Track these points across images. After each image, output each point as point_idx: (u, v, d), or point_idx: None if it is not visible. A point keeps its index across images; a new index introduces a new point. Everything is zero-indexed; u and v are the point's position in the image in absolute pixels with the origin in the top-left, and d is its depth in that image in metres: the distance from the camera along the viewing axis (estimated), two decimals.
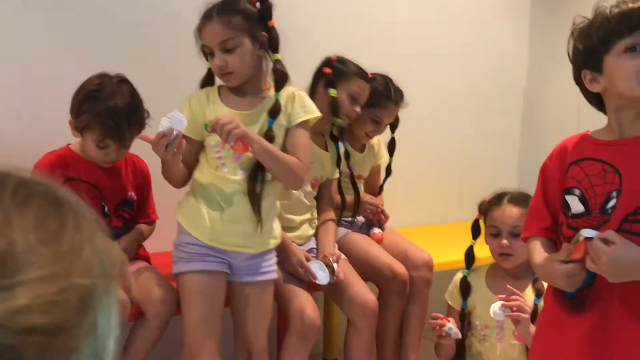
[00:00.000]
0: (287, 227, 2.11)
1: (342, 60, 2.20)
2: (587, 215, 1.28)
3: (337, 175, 2.24)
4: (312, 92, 2.16)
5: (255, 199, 1.79)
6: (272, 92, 1.85)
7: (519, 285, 1.80)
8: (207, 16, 1.79)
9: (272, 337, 2.18)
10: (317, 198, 2.23)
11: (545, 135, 3.08)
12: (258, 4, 1.83)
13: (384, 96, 2.30)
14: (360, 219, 2.41)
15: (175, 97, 1.85)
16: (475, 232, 1.96)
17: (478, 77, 3.12)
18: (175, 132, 1.66)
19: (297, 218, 2.14)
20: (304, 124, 1.87)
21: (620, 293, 1.22)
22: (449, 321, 1.81)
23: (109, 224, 1.90)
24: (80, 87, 1.83)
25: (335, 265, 2.02)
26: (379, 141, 2.47)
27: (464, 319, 1.91)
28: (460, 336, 1.84)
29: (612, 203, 1.24)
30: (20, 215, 0.44)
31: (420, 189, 2.95)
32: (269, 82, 1.88)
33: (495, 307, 1.72)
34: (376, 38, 2.76)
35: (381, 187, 2.50)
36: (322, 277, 1.99)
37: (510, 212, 1.85)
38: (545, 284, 1.53)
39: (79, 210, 0.48)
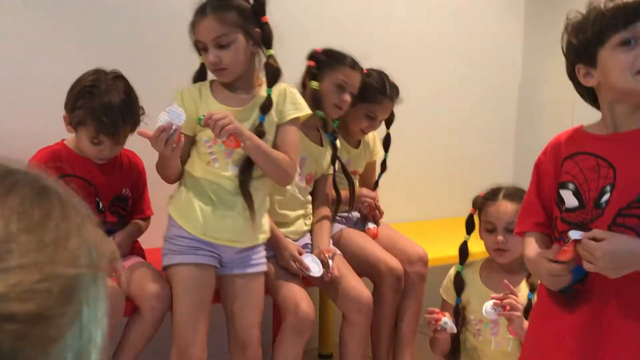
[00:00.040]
0: (282, 223, 2.11)
1: (327, 52, 2.19)
2: (581, 209, 1.28)
3: (332, 171, 2.24)
4: (303, 87, 2.16)
5: (247, 194, 1.81)
6: (264, 88, 1.86)
7: (513, 279, 1.80)
8: (201, 12, 1.79)
9: (268, 332, 2.19)
10: (312, 194, 2.24)
11: (540, 130, 3.09)
12: (251, 0, 1.83)
13: (379, 92, 2.29)
14: (355, 214, 2.41)
15: (171, 94, 1.85)
16: (470, 227, 1.96)
17: (473, 73, 3.12)
18: (174, 126, 1.66)
19: (292, 214, 2.15)
20: (294, 121, 1.89)
21: (613, 287, 1.22)
22: (444, 315, 1.82)
23: (104, 220, 1.90)
24: (75, 82, 1.83)
25: (330, 261, 2.02)
26: (374, 137, 2.47)
27: (459, 313, 1.91)
28: (455, 331, 1.84)
29: (606, 197, 1.25)
30: (2, 203, 0.44)
31: (415, 185, 2.96)
32: (261, 78, 1.89)
33: (488, 306, 1.73)
34: (371, 34, 2.76)
35: (376, 183, 2.50)
36: (315, 269, 2.00)
37: (506, 207, 1.85)
38: None
39: (67, 200, 0.48)
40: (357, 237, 2.29)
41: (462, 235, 1.98)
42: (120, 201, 1.95)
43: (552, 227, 1.36)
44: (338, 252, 2.15)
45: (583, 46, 1.28)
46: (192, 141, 1.86)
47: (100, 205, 1.90)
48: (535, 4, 3.25)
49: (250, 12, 1.82)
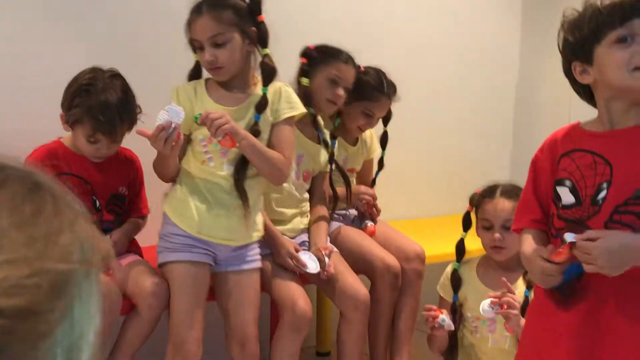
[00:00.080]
0: (279, 221, 2.11)
1: (319, 48, 2.18)
2: (577, 206, 1.28)
3: (329, 168, 2.24)
4: (298, 85, 2.16)
5: (242, 193, 1.82)
6: (259, 87, 1.87)
7: (510, 277, 1.80)
8: (197, 10, 1.80)
9: (265, 330, 2.19)
10: (310, 191, 2.24)
11: (537, 128, 3.08)
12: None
13: (376, 90, 2.29)
14: (353, 212, 2.42)
15: (168, 93, 1.85)
16: (467, 224, 1.96)
17: (471, 72, 3.12)
18: (173, 125, 1.66)
19: (289, 211, 2.15)
20: (289, 120, 1.89)
21: (610, 284, 1.22)
22: (442, 313, 1.82)
23: (101, 219, 1.89)
24: (72, 80, 1.83)
25: (326, 258, 2.02)
26: (372, 135, 2.47)
27: (456, 311, 1.92)
28: (453, 328, 1.84)
29: (602, 194, 1.25)
30: None
31: (413, 182, 2.96)
32: (257, 76, 1.89)
33: (485, 304, 1.73)
34: (369, 32, 2.75)
35: (373, 181, 2.50)
36: (312, 266, 2.00)
37: (503, 205, 1.85)
38: None
39: (60, 197, 0.48)
40: (354, 235, 2.29)
41: (459, 232, 1.98)
42: (117, 199, 1.95)
43: (549, 224, 1.36)
44: (335, 249, 2.15)
45: (579, 43, 1.28)
46: (187, 140, 1.86)
47: (97, 203, 1.90)
48: (533, 4, 3.24)
49: (246, 11, 1.83)
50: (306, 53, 2.18)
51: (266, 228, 2.03)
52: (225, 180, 1.83)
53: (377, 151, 2.47)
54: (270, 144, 1.86)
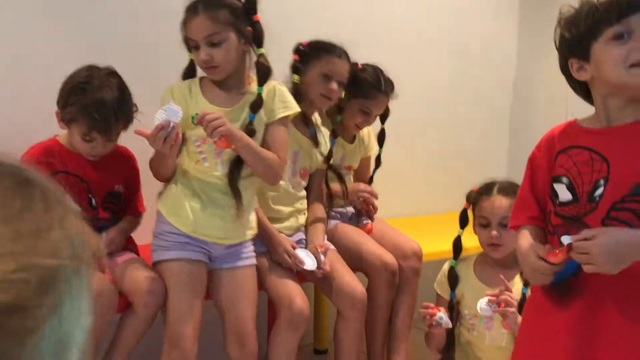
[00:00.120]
0: (276, 218, 2.11)
1: (311, 43, 2.17)
2: (575, 203, 1.28)
3: (324, 166, 2.24)
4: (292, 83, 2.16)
5: (237, 193, 1.83)
6: (253, 86, 1.87)
7: (507, 274, 1.80)
8: (193, 9, 1.80)
9: (263, 328, 2.19)
10: (307, 189, 2.23)
11: (534, 126, 3.09)
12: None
13: (373, 87, 2.28)
14: (350, 209, 2.41)
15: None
16: (463, 221, 1.96)
17: (467, 69, 3.12)
18: (172, 124, 1.66)
19: (286, 209, 2.14)
20: (283, 120, 1.90)
21: (607, 282, 1.22)
22: (439, 310, 1.82)
23: (96, 217, 1.89)
24: (68, 78, 1.82)
25: (322, 256, 2.02)
26: (369, 132, 2.47)
27: (453, 308, 1.92)
28: (451, 326, 1.84)
29: (599, 191, 1.25)
30: None
31: (410, 180, 2.96)
32: (251, 76, 1.89)
33: (482, 302, 1.73)
34: (367, 30, 2.75)
35: (371, 178, 2.50)
36: (309, 263, 2.00)
37: (500, 202, 1.85)
38: None
39: (50, 193, 0.47)
40: (351, 232, 2.29)
41: (456, 230, 1.98)
42: (112, 197, 1.94)
43: (546, 221, 1.36)
44: (332, 247, 2.15)
45: (576, 40, 1.28)
46: (182, 139, 1.85)
47: (93, 201, 1.89)
48: (530, 1, 3.24)
49: (242, 10, 1.83)
50: (298, 49, 2.17)
51: (263, 226, 2.03)
52: (219, 180, 1.84)
53: (374, 149, 2.47)
54: (264, 144, 1.86)
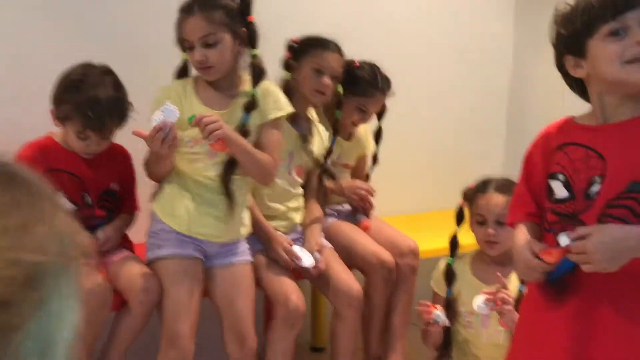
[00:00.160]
0: (272, 216, 2.11)
1: (302, 39, 2.16)
2: (571, 200, 1.28)
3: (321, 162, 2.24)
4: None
5: (229, 195, 1.84)
6: (246, 86, 1.87)
7: (504, 271, 1.80)
8: (188, 10, 1.80)
9: (259, 326, 2.18)
10: (304, 187, 2.23)
11: (530, 123, 3.08)
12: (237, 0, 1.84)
13: (370, 85, 2.28)
14: (347, 207, 2.41)
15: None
16: (460, 219, 1.96)
17: (464, 67, 3.12)
18: (169, 125, 1.67)
19: (283, 207, 2.14)
20: (276, 121, 1.90)
21: (603, 280, 1.22)
22: (436, 308, 1.82)
23: (92, 215, 1.88)
24: (63, 76, 1.81)
25: (317, 254, 2.02)
26: (366, 130, 2.46)
27: (450, 306, 1.91)
28: (448, 323, 1.84)
29: (595, 188, 1.24)
30: None
31: (406, 177, 2.95)
32: (244, 76, 1.89)
33: (479, 301, 1.73)
34: (362, 29, 2.74)
35: (367, 176, 2.49)
36: (306, 259, 2.00)
37: (497, 200, 1.85)
38: None
39: (39, 190, 0.47)
40: (348, 230, 2.29)
41: (452, 227, 1.98)
42: (108, 195, 1.94)
43: (543, 218, 1.35)
44: (329, 245, 2.15)
45: (572, 37, 1.27)
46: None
47: (88, 199, 1.89)
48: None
49: (237, 11, 1.83)
50: (290, 46, 2.16)
51: (259, 223, 2.03)
52: (212, 181, 1.85)
53: (371, 147, 2.46)
54: (257, 145, 1.87)
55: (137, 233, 2.02)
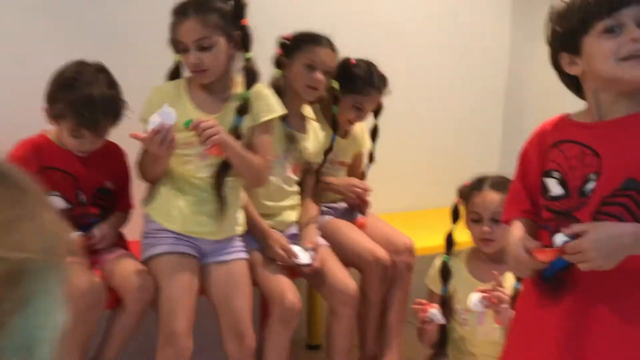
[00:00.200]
0: (267, 214, 2.10)
1: (294, 36, 2.15)
2: (565, 198, 1.28)
3: (319, 159, 2.23)
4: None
5: (221, 199, 1.85)
6: (239, 89, 1.88)
7: (499, 269, 1.79)
8: (183, 12, 1.80)
9: (255, 324, 2.18)
10: (300, 184, 2.23)
11: (527, 121, 3.09)
12: (231, 3, 1.84)
13: (366, 83, 2.28)
14: (343, 204, 2.41)
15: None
16: (455, 217, 1.95)
17: (460, 65, 3.12)
18: (167, 127, 1.68)
19: (278, 204, 2.14)
20: (267, 123, 1.91)
21: (598, 277, 1.22)
22: (432, 307, 1.82)
23: (86, 213, 1.88)
24: (57, 74, 1.81)
25: (312, 252, 2.02)
26: (362, 128, 2.46)
27: (445, 303, 1.91)
28: (443, 322, 1.84)
29: (590, 186, 1.24)
30: None
31: (402, 175, 2.95)
32: (236, 78, 1.90)
33: (474, 298, 1.73)
34: (356, 26, 2.73)
35: (363, 174, 2.49)
36: (303, 257, 2.00)
37: (492, 198, 1.85)
38: None
39: (26, 188, 0.47)
40: (344, 228, 2.28)
41: (448, 225, 1.98)
42: (102, 193, 1.93)
43: (538, 215, 1.35)
44: (324, 243, 2.15)
45: (567, 34, 1.27)
46: None
47: (82, 197, 1.88)
48: None
49: (231, 14, 1.83)
50: (281, 43, 2.15)
51: (254, 222, 2.03)
52: (204, 182, 1.86)
53: (367, 144, 2.46)
54: (248, 147, 1.87)
55: (131, 231, 2.02)
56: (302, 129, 2.19)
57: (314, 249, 2.05)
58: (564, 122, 1.34)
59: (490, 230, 1.84)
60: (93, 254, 1.87)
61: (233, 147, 1.79)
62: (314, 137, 2.21)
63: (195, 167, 1.86)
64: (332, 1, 2.72)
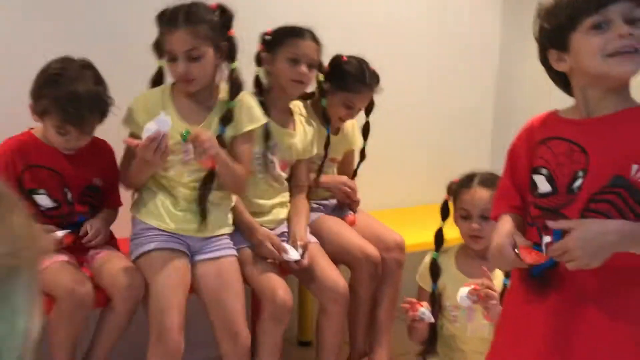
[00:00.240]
0: (257, 212, 2.10)
1: (275, 30, 2.13)
2: (553, 194, 1.28)
3: (308, 156, 2.22)
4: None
5: (203, 211, 1.88)
6: (222, 98, 1.90)
7: (489, 266, 1.79)
8: (173, 22, 1.79)
9: (247, 321, 2.17)
10: (289, 181, 2.22)
11: (517, 118, 3.08)
12: (218, 13, 1.85)
13: (357, 81, 2.26)
14: (333, 201, 2.40)
15: (143, 85, 1.86)
16: (444, 213, 1.95)
17: (451, 62, 3.11)
18: (162, 135, 1.69)
19: (268, 202, 2.13)
20: (249, 133, 1.93)
21: (586, 273, 1.22)
22: (422, 306, 1.82)
23: (73, 211, 1.86)
24: (42, 70, 1.79)
25: (301, 250, 2.02)
26: (354, 125, 2.45)
27: (435, 300, 1.91)
28: (433, 320, 1.84)
29: (578, 183, 1.24)
30: None
31: (392, 172, 2.95)
32: (221, 86, 1.91)
33: (462, 293, 1.73)
34: (349, 26, 2.72)
35: (355, 171, 2.48)
36: (293, 252, 2.00)
37: (481, 194, 1.85)
38: None
39: None
40: (334, 224, 2.28)
41: (438, 221, 1.97)
42: (91, 191, 1.92)
43: (526, 211, 1.35)
44: (314, 240, 2.14)
45: (555, 31, 1.27)
46: None
47: (69, 195, 1.86)
48: None
49: (220, 25, 1.84)
50: (263, 39, 2.14)
51: (243, 219, 2.02)
52: (187, 186, 1.89)
53: (358, 142, 2.45)
54: (230, 155, 1.89)
55: (120, 228, 2.00)
56: (290, 125, 2.18)
57: (304, 245, 2.05)
58: (552, 119, 1.34)
59: (479, 227, 1.84)
60: (81, 252, 1.86)
61: (224, 160, 1.83)
62: (302, 133, 2.20)
63: (175, 172, 1.88)
64: None
